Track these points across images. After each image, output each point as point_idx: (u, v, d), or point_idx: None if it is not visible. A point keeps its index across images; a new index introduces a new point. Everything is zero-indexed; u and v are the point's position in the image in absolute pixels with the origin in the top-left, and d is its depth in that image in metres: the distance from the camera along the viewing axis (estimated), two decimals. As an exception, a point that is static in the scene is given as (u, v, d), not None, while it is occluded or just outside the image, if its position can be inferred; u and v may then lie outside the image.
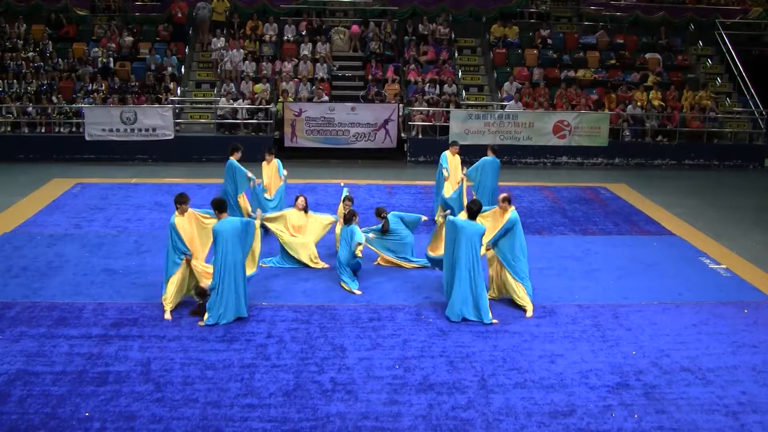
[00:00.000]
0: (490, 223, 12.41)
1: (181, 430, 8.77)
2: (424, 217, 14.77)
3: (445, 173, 16.67)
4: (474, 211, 11.82)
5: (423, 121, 24.29)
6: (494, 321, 11.75)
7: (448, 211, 13.50)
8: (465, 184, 16.44)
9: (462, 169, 16.75)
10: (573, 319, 12.07)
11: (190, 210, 12.20)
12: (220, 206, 11.75)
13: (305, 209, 14.30)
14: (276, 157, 16.33)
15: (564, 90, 25.17)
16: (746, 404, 9.60)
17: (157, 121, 23.30)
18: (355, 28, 27.37)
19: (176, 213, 12.09)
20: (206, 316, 11.53)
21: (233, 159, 15.72)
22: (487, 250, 12.27)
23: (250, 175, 15.59)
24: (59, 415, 8.97)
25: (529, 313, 12.11)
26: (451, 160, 16.88)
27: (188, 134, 24.32)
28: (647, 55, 27.42)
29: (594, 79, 26.45)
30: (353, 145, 23.78)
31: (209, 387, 9.70)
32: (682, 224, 17.67)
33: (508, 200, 12.37)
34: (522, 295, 12.20)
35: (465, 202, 16.10)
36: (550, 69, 26.69)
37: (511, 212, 12.22)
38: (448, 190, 16.52)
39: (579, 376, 10.22)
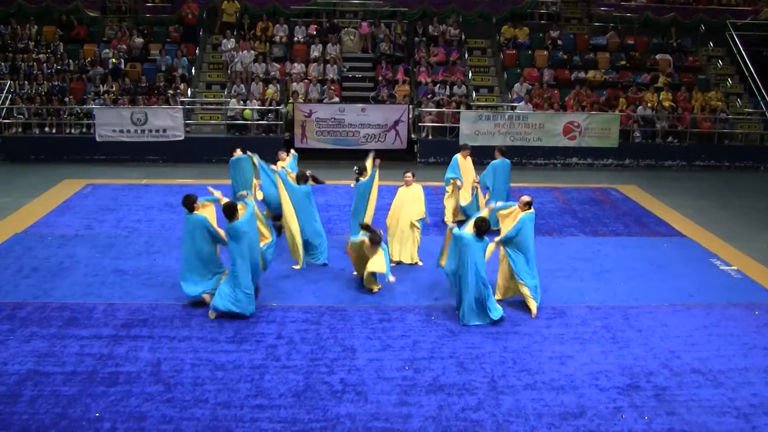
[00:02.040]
0: (510, 222, 12.41)
1: (191, 430, 8.79)
2: (426, 219, 14.75)
3: (459, 183, 16.58)
4: (482, 231, 11.66)
5: (433, 122, 24.29)
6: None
7: (453, 225, 13.08)
8: (479, 190, 16.32)
9: (474, 176, 16.66)
10: (583, 320, 12.05)
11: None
12: (230, 213, 11.66)
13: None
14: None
15: (577, 91, 25.12)
16: (758, 406, 9.56)
17: (167, 122, 23.35)
18: (364, 27, 27.35)
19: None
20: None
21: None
22: (496, 246, 12.28)
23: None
24: (70, 416, 9.00)
25: (533, 313, 12.11)
26: (462, 163, 16.77)
27: (198, 135, 24.36)
28: (658, 56, 27.33)
29: (604, 80, 26.40)
30: (363, 146, 23.73)
31: (219, 388, 9.72)
32: (693, 225, 17.61)
33: (530, 204, 12.36)
34: (526, 294, 12.26)
35: (482, 206, 16.01)
36: (560, 70, 26.65)
37: (526, 213, 12.24)
38: (465, 198, 16.48)
39: (589, 377, 10.20)
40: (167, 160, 23.45)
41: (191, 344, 10.93)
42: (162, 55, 25.77)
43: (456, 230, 11.90)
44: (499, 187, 16.35)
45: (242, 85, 24.79)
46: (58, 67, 25.37)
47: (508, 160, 16.65)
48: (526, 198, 12.41)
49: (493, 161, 16.54)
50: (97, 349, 10.73)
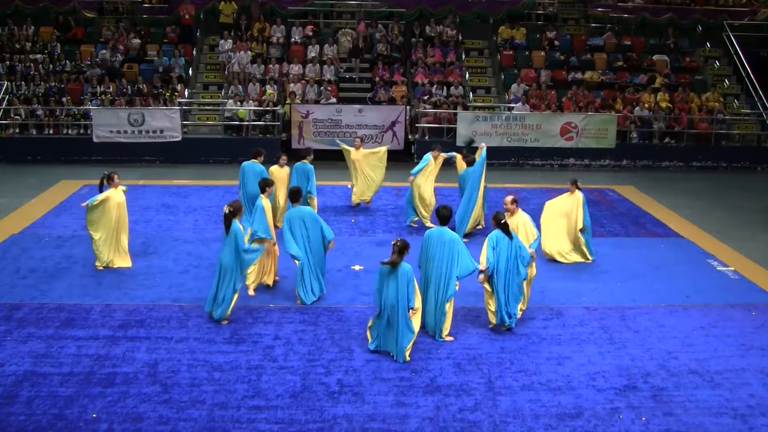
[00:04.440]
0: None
1: (188, 431, 8.78)
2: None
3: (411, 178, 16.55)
4: (446, 217, 11.20)
5: (429, 123, 24.27)
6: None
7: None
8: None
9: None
10: (580, 321, 12.06)
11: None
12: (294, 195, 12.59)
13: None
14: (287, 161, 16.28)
15: (574, 92, 25.15)
16: (755, 407, 9.57)
17: (164, 122, 23.33)
18: (361, 26, 27.36)
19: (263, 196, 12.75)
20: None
21: (256, 161, 15.73)
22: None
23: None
24: (67, 417, 8.99)
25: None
26: (432, 163, 16.59)
27: (195, 136, 24.36)
28: (655, 57, 27.37)
29: (601, 81, 26.42)
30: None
31: (216, 388, 9.71)
32: (690, 226, 17.63)
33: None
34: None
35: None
36: (557, 71, 26.66)
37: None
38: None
39: (586, 378, 10.20)
40: (164, 160, 23.43)
41: (188, 345, 10.93)
42: (159, 56, 25.75)
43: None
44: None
45: (240, 86, 24.79)
46: (56, 69, 25.34)
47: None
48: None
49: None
50: (94, 350, 10.72)
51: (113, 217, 13.84)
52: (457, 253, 10.90)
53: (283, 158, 16.20)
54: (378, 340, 10.79)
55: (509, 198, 12.17)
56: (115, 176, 14.02)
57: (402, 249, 10.30)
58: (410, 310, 10.39)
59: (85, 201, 13.97)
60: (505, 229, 11.24)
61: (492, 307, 11.46)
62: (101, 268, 13.90)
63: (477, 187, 15.78)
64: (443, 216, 11.16)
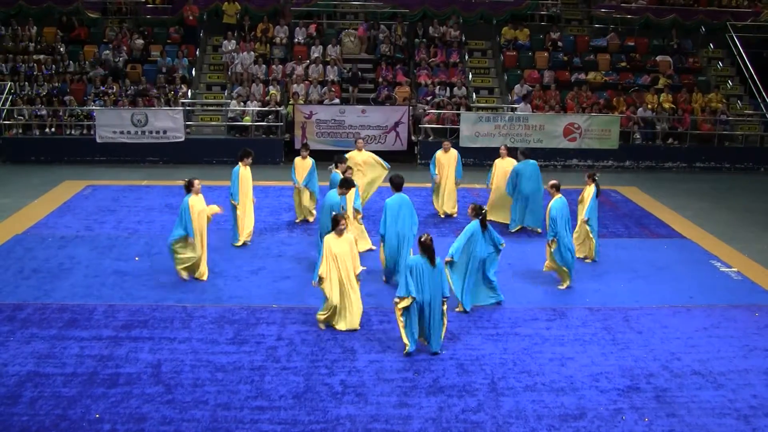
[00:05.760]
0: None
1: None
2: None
3: (436, 179, 17.69)
4: (399, 184, 13.23)
5: (432, 123, 24.26)
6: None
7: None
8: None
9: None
10: (583, 322, 12.06)
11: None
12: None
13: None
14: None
15: (576, 92, 25.14)
16: (758, 408, 9.57)
17: (167, 123, 23.34)
18: (360, 31, 27.35)
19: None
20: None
21: (241, 165, 15.60)
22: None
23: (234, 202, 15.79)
24: (70, 417, 9.00)
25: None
26: (441, 157, 17.54)
27: (199, 136, 24.37)
28: (658, 58, 27.34)
29: (604, 81, 26.39)
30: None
31: (219, 389, 9.72)
32: (693, 227, 17.61)
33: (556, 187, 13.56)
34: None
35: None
36: (560, 72, 26.65)
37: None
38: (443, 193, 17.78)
39: (589, 379, 10.20)
40: (167, 161, 23.44)
41: (191, 345, 10.94)
42: (162, 57, 25.77)
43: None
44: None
45: (243, 87, 24.78)
46: (60, 69, 25.36)
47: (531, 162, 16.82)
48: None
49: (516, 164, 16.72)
50: (98, 350, 10.74)
51: (196, 227, 13.25)
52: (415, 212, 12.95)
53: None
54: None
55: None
56: (196, 182, 13.59)
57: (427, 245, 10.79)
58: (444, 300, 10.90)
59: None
60: (482, 221, 12.18)
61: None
62: (187, 277, 13.54)
63: (538, 189, 16.76)
64: (397, 183, 13.22)
